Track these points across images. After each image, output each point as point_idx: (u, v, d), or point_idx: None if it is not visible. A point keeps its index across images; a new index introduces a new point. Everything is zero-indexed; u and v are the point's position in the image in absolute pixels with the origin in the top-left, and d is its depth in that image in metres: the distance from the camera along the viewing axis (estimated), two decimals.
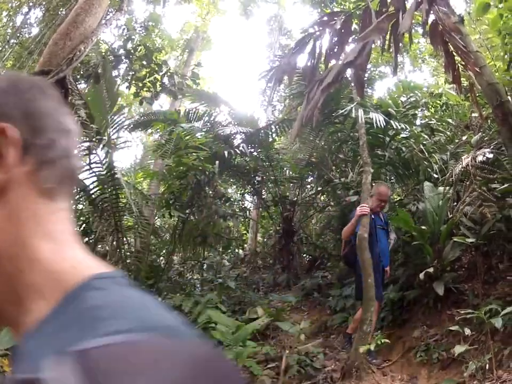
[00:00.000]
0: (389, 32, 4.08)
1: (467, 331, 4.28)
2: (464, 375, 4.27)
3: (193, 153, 7.60)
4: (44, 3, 11.54)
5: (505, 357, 4.19)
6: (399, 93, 9.43)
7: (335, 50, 4.55)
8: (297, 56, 4.68)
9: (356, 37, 4.25)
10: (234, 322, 5.51)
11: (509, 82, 6.57)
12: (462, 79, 5.24)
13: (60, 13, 10.86)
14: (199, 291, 8.35)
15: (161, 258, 7.91)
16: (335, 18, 4.24)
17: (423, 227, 6.08)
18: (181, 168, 7.77)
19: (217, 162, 8.47)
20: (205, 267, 9.46)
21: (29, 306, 0.55)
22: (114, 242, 6.92)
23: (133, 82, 7.94)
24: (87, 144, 6.70)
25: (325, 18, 4.49)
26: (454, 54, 4.13)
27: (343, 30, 4.20)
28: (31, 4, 11.74)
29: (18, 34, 11.80)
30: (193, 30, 18.40)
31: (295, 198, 11.09)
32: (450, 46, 4.07)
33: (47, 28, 10.45)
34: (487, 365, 4.08)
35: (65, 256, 0.59)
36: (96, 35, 6.28)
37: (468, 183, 6.05)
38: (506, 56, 6.14)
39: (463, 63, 4.16)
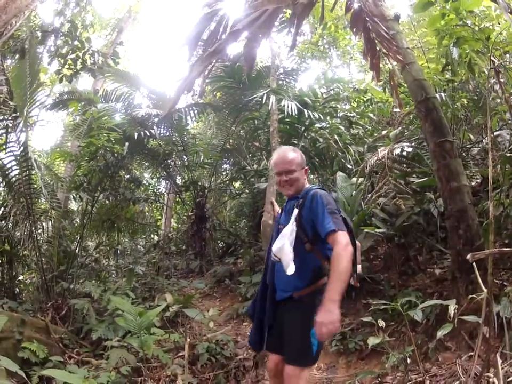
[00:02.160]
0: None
1: (381, 322, 4.04)
2: (385, 366, 4.33)
3: (105, 135, 7.40)
4: None
5: (431, 350, 4.32)
6: (320, 85, 9.76)
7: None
8: (199, 28, 4.17)
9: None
10: (137, 309, 5.47)
11: (441, 83, 6.97)
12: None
13: None
14: (115, 277, 8.23)
15: (75, 243, 7.64)
16: None
17: None
18: (91, 149, 7.52)
19: (126, 144, 8.30)
20: (118, 252, 9.29)
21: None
22: (28, 227, 6.59)
23: (56, 58, 7.51)
24: (5, 122, 6.30)
25: None
26: (376, 41, 4.01)
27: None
28: None
29: None
30: (126, 9, 17.67)
31: (208, 184, 11.18)
32: (373, 33, 3.94)
33: None
34: (411, 357, 4.09)
35: None
36: (30, 9, 5.88)
37: (382, 174, 6.14)
38: (441, 57, 6.34)
39: (385, 52, 4.07)
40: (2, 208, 6.75)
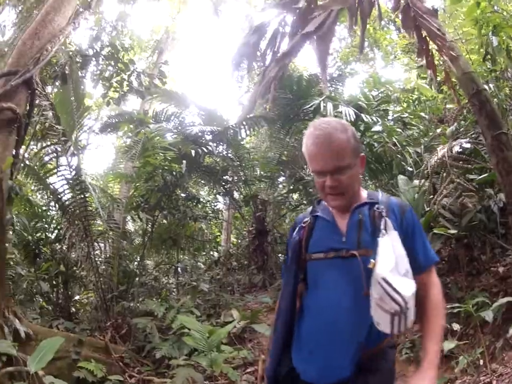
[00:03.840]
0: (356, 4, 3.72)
1: (455, 326, 4.04)
2: (455, 370, 4.13)
3: (161, 154, 7.43)
4: (17, 5, 11.16)
5: (498, 349, 4.11)
6: (369, 88, 9.43)
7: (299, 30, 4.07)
8: (256, 37, 4.22)
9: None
10: (206, 327, 5.37)
11: (484, 74, 6.66)
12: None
13: (33, 14, 10.53)
14: (175, 295, 8.20)
15: (135, 263, 7.70)
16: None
17: None
18: (148, 169, 7.57)
19: (184, 162, 8.30)
20: (179, 270, 9.29)
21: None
22: (85, 249, 6.69)
23: (100, 82, 7.72)
24: (54, 147, 6.48)
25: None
26: (428, 39, 3.95)
27: (306, 8, 3.92)
28: (4, 7, 11.33)
29: None
30: (163, 30, 18.15)
31: (267, 198, 11.02)
32: (424, 31, 3.89)
33: (19, 30, 10.11)
34: (480, 359, 3.97)
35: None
36: (64, 34, 6.06)
37: (444, 174, 5.96)
38: (482, 48, 6.18)
39: (437, 48, 4.01)
40: (56, 231, 6.90)
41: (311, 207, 2.14)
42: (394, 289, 1.65)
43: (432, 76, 4.11)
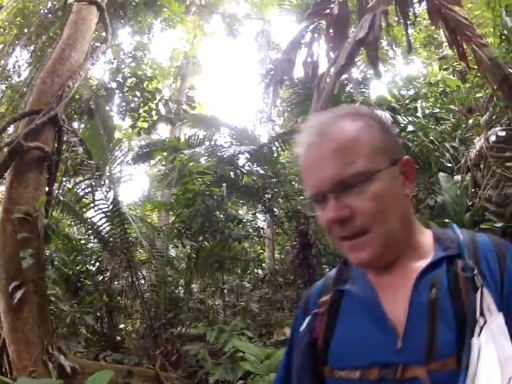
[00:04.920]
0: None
1: None
2: None
3: (199, 179, 7.43)
4: (29, 45, 11.63)
5: None
6: (397, 87, 9.23)
7: (337, 39, 4.14)
8: (294, 52, 4.32)
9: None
10: (262, 350, 5.25)
11: (504, 57, 6.42)
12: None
13: (47, 53, 10.93)
14: (223, 317, 8.11)
15: (180, 288, 7.68)
16: (330, 5, 3.97)
17: (446, 220, 5.81)
18: (188, 195, 7.59)
19: (224, 184, 8.28)
20: (225, 292, 9.21)
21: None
22: (129, 278, 6.73)
23: (128, 113, 7.85)
24: (88, 181, 6.60)
25: (318, 7, 4.20)
26: (455, 29, 3.82)
27: (340, 15, 3.91)
28: (15, 47, 11.85)
29: (8, 79, 11.85)
30: (182, 56, 18.46)
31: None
32: (451, 21, 3.77)
33: (35, 69, 10.51)
34: None
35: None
36: (84, 69, 6.20)
37: (484, 166, 5.76)
38: (498, 30, 5.98)
39: (466, 38, 3.85)
40: (97, 263, 6.98)
41: (335, 270, 1.23)
42: None
43: (466, 66, 3.95)
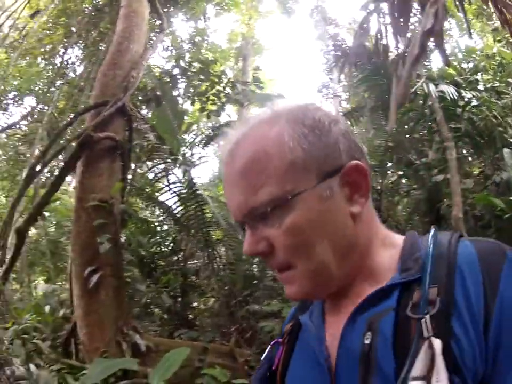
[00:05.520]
0: None
1: None
2: None
3: None
4: (79, 42, 12.14)
5: None
6: (457, 60, 8.88)
7: (401, 21, 4.28)
8: (364, 37, 4.58)
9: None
10: None
11: None
12: None
13: (100, 47, 11.47)
14: None
15: (254, 266, 7.83)
16: None
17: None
18: None
19: None
20: None
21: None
22: (205, 258, 6.95)
23: (196, 98, 8.01)
24: (162, 166, 6.83)
25: None
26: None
27: None
28: (66, 45, 12.43)
29: (63, 75, 12.49)
30: (240, 37, 18.52)
31: (379, 187, 10.67)
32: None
33: (90, 64, 11.00)
34: None
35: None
36: (145, 59, 6.37)
37: None
38: None
39: None
40: (172, 244, 7.23)
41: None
42: None
43: None
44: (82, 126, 7.55)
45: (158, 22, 8.93)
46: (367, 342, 0.75)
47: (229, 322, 6.63)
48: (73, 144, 6.15)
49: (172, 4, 10.65)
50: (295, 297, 0.87)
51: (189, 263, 7.39)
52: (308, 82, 49.91)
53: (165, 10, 10.04)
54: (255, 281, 7.50)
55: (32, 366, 4.59)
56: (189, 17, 12.95)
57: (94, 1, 12.03)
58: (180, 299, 7.21)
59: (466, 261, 0.75)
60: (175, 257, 7.25)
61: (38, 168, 6.53)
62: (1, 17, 11.83)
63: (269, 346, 1.00)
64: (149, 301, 6.75)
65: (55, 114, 11.50)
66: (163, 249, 7.45)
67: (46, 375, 4.57)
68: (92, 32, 11.61)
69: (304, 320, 0.93)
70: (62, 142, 7.71)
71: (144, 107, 7.47)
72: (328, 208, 0.79)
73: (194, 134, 7.59)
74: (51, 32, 12.46)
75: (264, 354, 1.00)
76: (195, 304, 7.89)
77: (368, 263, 0.85)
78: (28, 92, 13.07)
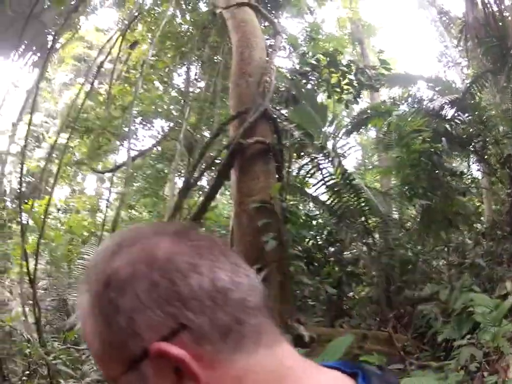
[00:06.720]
0: None
1: None
2: None
3: (418, 137, 7.42)
4: (194, 58, 12.66)
5: None
6: None
7: None
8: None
9: None
10: (494, 301, 5.24)
11: None
12: None
13: (216, 60, 11.99)
14: (446, 276, 8.00)
15: (409, 251, 7.80)
16: None
17: None
18: (414, 155, 7.62)
19: (443, 139, 8.18)
20: (449, 250, 9.01)
21: None
22: (364, 246, 7.02)
23: (331, 90, 8.14)
24: (314, 161, 6.99)
25: None
26: None
27: None
28: (182, 65, 13.10)
29: (187, 93, 13.07)
30: (349, 22, 18.16)
31: None
32: None
33: (212, 76, 11.46)
34: None
35: None
36: (273, 62, 6.51)
37: None
38: None
39: None
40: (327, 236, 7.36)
41: None
42: None
43: None
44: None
45: (265, 25, 9.20)
46: None
47: (387, 309, 6.69)
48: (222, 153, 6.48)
49: (273, 7, 10.90)
50: None
51: (345, 253, 7.52)
52: (423, 53, 48.09)
53: (273, 13, 10.35)
54: (410, 266, 7.48)
55: None
56: (295, 15, 13.12)
57: (191, 20, 12.65)
58: (338, 289, 7.38)
59: None
60: (332, 249, 7.42)
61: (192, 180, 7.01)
62: (101, 53, 12.47)
63: None
64: (309, 292, 6.96)
65: (190, 131, 12.19)
66: (319, 242, 7.65)
67: None
68: (202, 49, 12.22)
69: None
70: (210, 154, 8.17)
71: (282, 108, 7.70)
72: None
73: (336, 126, 7.70)
74: (157, 58, 13.19)
75: None
76: (350, 294, 8.02)
77: None
78: (153, 114, 13.98)
